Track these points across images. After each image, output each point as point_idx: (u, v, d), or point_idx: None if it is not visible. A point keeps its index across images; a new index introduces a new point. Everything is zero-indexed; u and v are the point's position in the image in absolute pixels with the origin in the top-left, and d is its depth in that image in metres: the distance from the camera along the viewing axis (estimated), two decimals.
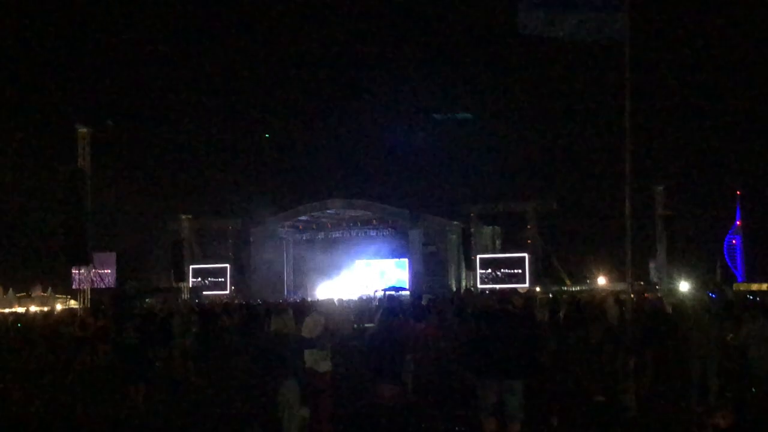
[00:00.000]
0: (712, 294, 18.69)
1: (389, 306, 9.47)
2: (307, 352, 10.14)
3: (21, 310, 32.36)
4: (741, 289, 39.98)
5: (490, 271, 47.32)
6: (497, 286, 41.82)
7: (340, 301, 26.36)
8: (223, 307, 26.95)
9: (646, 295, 25.30)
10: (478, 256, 48.01)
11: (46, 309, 33.18)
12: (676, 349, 13.10)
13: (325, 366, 10.10)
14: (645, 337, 13.01)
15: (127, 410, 13.10)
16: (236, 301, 35.17)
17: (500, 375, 8.70)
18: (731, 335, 12.69)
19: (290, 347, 9.12)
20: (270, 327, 10.68)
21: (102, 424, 12.57)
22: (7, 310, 34.98)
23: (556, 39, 10.84)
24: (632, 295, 12.58)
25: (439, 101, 78.61)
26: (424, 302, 21.42)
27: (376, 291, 43.77)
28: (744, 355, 12.13)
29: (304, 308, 17.37)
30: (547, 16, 10.37)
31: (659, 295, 29.79)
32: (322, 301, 12.98)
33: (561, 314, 22.30)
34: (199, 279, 51.82)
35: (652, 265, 46.08)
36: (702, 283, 38.39)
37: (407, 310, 16.32)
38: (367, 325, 17.63)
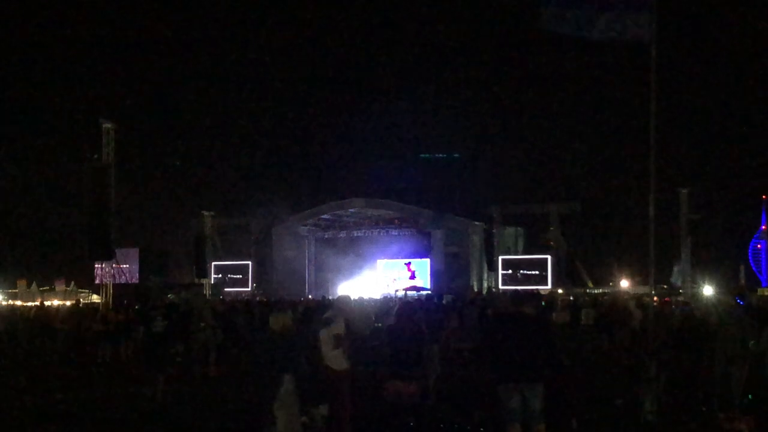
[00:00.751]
0: (739, 299, 18.49)
1: (406, 305, 9.42)
2: (326, 352, 10.12)
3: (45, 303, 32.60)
4: (766, 294, 39.59)
5: (511, 272, 47.17)
6: (519, 288, 41.71)
7: (360, 299, 26.30)
8: (244, 303, 27.04)
9: (666, 299, 25.09)
10: (500, 257, 47.85)
11: (68, 303, 33.40)
12: (699, 353, 12.96)
13: (343, 364, 10.06)
14: (668, 341, 12.88)
15: (145, 403, 13.18)
16: (257, 298, 35.23)
17: (522, 378, 8.64)
18: (753, 341, 12.55)
19: (289, 345, 9.03)
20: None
21: (120, 415, 12.62)
22: (30, 304, 35.27)
23: (583, 39, 10.75)
24: (655, 299, 12.48)
25: (463, 100, 78.32)
26: (445, 302, 21.43)
27: (396, 291, 43.71)
28: (764, 361, 12.01)
29: (324, 306, 17.36)
30: (573, 13, 10.28)
31: (681, 299, 29.60)
32: (341, 297, 13.00)
33: (583, 317, 22.27)
34: (221, 276, 52.00)
35: (676, 268, 45.74)
36: (726, 287, 38.08)
37: (429, 309, 16.30)
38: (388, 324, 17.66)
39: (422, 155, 62.55)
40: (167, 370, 13.83)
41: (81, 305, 27.19)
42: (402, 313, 9.08)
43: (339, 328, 10.22)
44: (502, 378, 8.79)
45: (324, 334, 10.27)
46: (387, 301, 31.20)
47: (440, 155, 61.70)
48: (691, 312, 16.14)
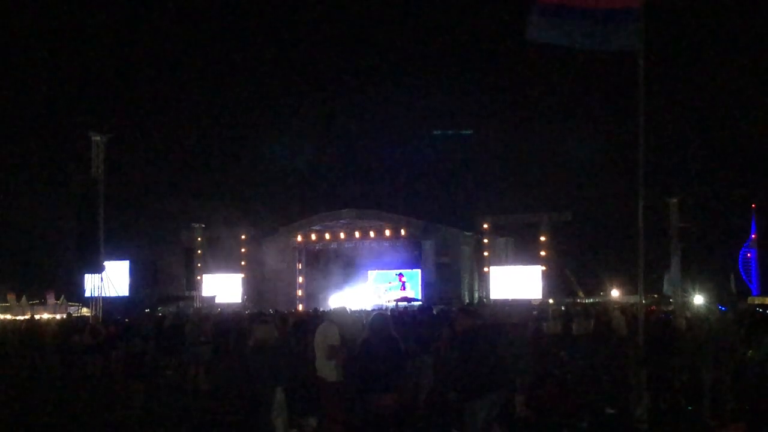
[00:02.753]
0: (722, 306, 18.58)
1: (378, 318, 9.42)
2: (320, 363, 10.10)
3: (35, 317, 32.45)
4: (756, 302, 39.73)
5: (502, 282, 47.09)
6: (510, 298, 41.71)
7: (351, 310, 26.26)
8: (233, 316, 26.98)
9: (652, 308, 25.17)
10: (491, 267, 47.84)
11: (58, 316, 33.26)
12: (688, 361, 12.99)
13: (336, 375, 10.04)
14: (657, 350, 12.91)
15: (132, 416, 13.15)
16: (247, 311, 35.14)
17: (483, 391, 8.79)
18: (751, 351, 12.58)
19: (274, 357, 9.00)
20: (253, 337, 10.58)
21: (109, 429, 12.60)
22: (20, 317, 35.11)
23: (572, 49, 10.80)
24: (644, 308, 12.51)
25: (451, 111, 78.49)
26: (435, 313, 21.42)
27: (388, 301, 43.66)
28: (761, 368, 12.04)
29: (317, 318, 17.33)
30: (562, 24, 10.30)
31: (671, 308, 29.65)
32: (335, 309, 13.12)
33: (574, 327, 22.28)
34: (211, 288, 51.78)
35: (666, 277, 45.80)
36: (716, 296, 38.17)
37: (423, 321, 16.30)
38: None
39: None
40: (146, 384, 13.84)
41: (71, 318, 27.03)
42: (374, 326, 9.10)
43: (334, 339, 10.21)
44: (466, 393, 8.94)
45: (318, 345, 10.27)
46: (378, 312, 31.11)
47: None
48: (671, 320, 16.22)
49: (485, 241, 48.03)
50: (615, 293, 46.67)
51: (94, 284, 33.92)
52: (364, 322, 19.00)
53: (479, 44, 79.90)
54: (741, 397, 11.96)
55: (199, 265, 50.90)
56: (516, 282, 46.56)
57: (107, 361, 19.12)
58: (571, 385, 14.83)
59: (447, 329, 16.63)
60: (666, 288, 45.64)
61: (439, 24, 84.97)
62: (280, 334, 14.42)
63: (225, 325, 21.69)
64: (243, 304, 48.06)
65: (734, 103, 62.13)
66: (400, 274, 52.50)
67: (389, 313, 15.92)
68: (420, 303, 40.07)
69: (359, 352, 8.92)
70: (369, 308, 38.13)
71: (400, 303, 39.62)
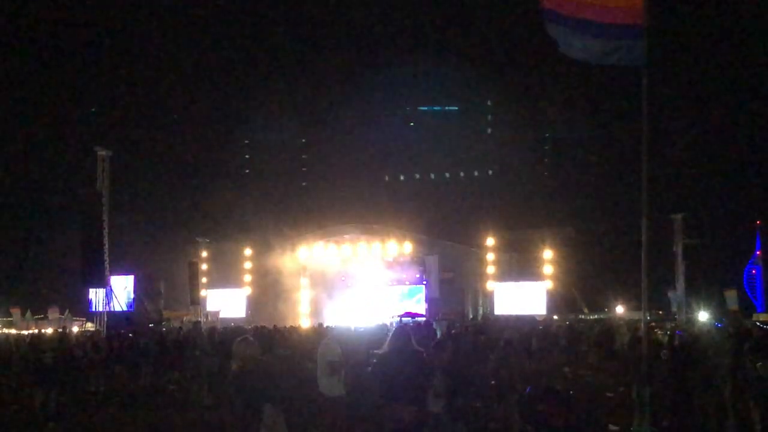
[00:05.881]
0: (717, 323, 18.58)
1: (400, 331, 9.39)
2: (321, 379, 10.10)
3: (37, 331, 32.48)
4: (761, 319, 39.62)
5: (507, 298, 47.01)
6: (514, 314, 41.63)
7: (356, 327, 26.26)
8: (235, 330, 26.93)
9: (651, 324, 25.13)
10: (496, 283, 47.77)
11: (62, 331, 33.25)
12: (693, 378, 12.94)
13: (337, 391, 10.04)
14: (661, 367, 12.88)
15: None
16: (252, 326, 35.11)
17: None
18: (760, 364, 12.53)
19: (259, 375, 8.90)
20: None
21: None
22: (24, 332, 35.13)
23: (576, 63, 10.80)
24: (651, 324, 12.50)
25: (455, 125, 78.49)
26: (437, 328, 21.42)
27: (392, 317, 43.58)
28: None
29: (321, 333, 17.32)
30: (563, 36, 10.30)
31: (674, 325, 29.57)
32: (337, 326, 13.10)
33: (584, 343, 22.27)
34: (216, 302, 51.79)
35: (670, 294, 45.72)
36: (722, 313, 38.09)
37: (421, 337, 16.24)
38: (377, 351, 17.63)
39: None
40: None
41: (68, 332, 27.00)
42: (395, 339, 9.06)
43: (334, 355, 10.22)
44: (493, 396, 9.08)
45: (319, 362, 10.28)
46: (382, 328, 31.10)
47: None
48: (687, 338, 16.16)
49: (489, 257, 48.01)
50: (620, 310, 46.54)
51: (98, 299, 33.96)
52: (367, 338, 19.04)
53: (484, 59, 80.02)
54: (742, 411, 11.92)
55: (203, 279, 50.89)
56: (520, 298, 46.51)
57: (111, 375, 19.14)
58: (573, 400, 14.80)
59: (450, 345, 16.63)
60: (671, 304, 45.57)
61: (440, 39, 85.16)
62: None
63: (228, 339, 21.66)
64: (247, 319, 48.05)
65: (740, 119, 62.02)
66: (407, 290, 52.52)
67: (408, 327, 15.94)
68: (424, 318, 40.01)
69: (379, 365, 8.92)
70: (372, 324, 38.13)
71: (403, 318, 39.55)
